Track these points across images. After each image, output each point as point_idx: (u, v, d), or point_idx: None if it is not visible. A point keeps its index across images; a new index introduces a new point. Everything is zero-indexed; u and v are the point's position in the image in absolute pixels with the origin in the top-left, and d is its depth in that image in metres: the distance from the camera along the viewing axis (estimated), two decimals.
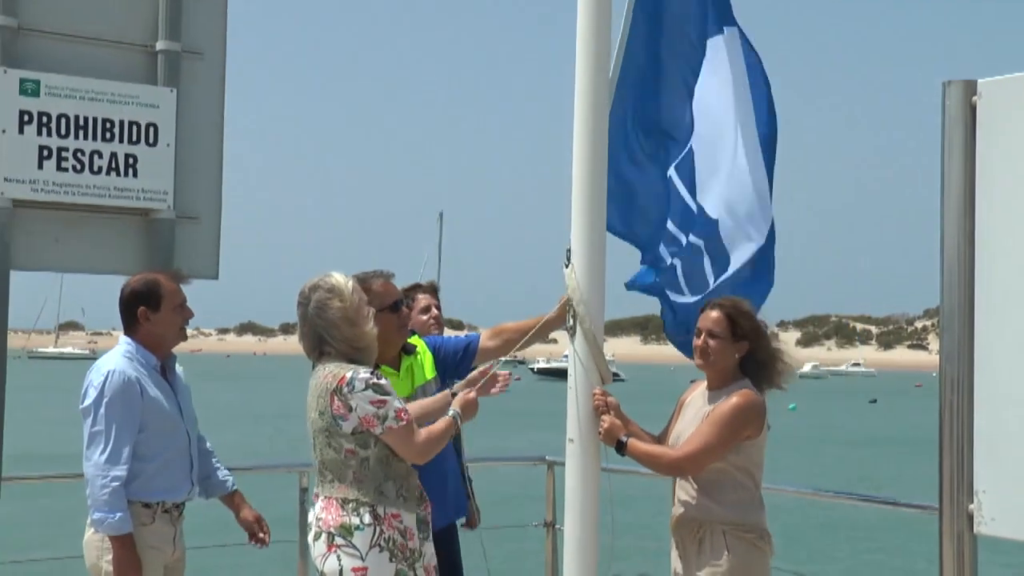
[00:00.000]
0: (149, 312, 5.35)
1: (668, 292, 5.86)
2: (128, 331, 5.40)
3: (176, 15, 6.36)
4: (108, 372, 5.24)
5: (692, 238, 5.81)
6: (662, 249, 5.92)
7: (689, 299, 5.74)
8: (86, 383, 5.28)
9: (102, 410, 5.17)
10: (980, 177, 3.47)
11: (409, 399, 5.35)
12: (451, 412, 4.78)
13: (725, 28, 5.89)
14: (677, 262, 5.85)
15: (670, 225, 5.92)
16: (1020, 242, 3.41)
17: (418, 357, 5.66)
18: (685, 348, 5.49)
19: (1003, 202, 3.43)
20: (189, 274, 5.87)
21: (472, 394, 4.89)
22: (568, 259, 4.83)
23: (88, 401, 5.23)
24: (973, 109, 3.46)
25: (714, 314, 4.91)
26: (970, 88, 3.48)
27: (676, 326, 5.84)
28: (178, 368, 5.63)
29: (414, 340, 5.73)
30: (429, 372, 5.61)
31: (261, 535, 5.64)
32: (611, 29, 5.00)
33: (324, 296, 4.71)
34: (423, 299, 6.56)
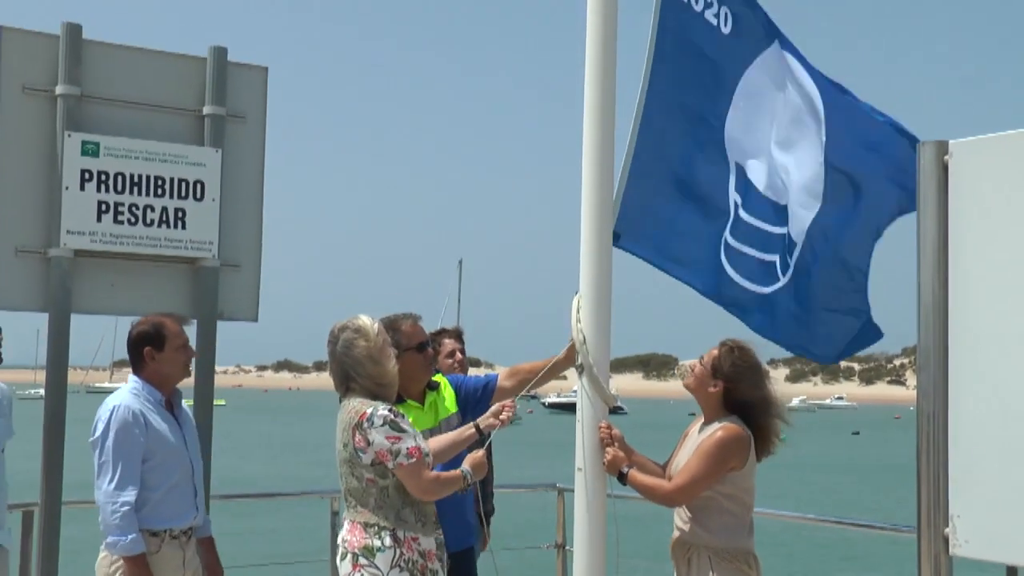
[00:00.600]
0: (154, 352, 5.33)
1: (751, 285, 5.44)
2: (136, 370, 5.38)
3: (222, 83, 6.41)
4: (114, 407, 5.21)
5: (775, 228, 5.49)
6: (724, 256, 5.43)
7: (780, 282, 5.45)
8: (96, 418, 5.25)
9: (109, 442, 5.14)
10: (952, 229, 3.47)
11: (433, 431, 5.35)
12: (463, 469, 4.76)
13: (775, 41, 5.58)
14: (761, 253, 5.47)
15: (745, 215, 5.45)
16: (990, 289, 3.41)
17: (441, 393, 5.66)
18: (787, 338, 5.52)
19: (974, 251, 3.43)
20: (193, 317, 5.95)
21: (481, 454, 4.87)
22: (578, 311, 4.80)
23: (96, 434, 5.21)
24: (945, 167, 3.47)
25: (714, 351, 4.91)
26: (942, 148, 3.50)
27: (767, 320, 5.50)
28: (184, 403, 5.60)
29: (437, 377, 5.72)
30: (451, 407, 5.60)
31: None
32: (615, 81, 4.87)
33: (351, 336, 4.72)
34: (448, 343, 6.57)
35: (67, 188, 5.96)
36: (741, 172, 5.42)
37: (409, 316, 5.52)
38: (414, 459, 4.55)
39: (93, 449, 5.23)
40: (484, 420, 5.07)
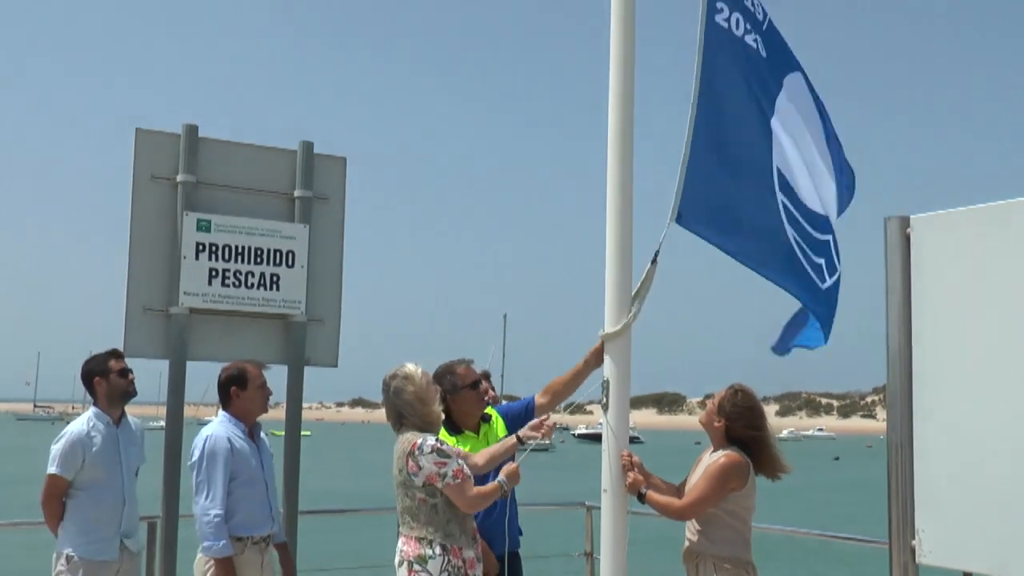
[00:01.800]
0: (239, 391, 5.49)
1: (814, 278, 4.92)
2: (224, 406, 5.54)
3: (309, 170, 6.49)
4: (207, 437, 5.38)
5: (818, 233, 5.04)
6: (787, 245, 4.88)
7: (828, 281, 4.98)
8: (192, 446, 5.40)
9: (204, 464, 5.30)
10: (915, 291, 3.46)
11: None
12: (499, 479, 4.74)
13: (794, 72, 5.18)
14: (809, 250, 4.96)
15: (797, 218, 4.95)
16: (946, 342, 3.39)
17: (493, 425, 5.65)
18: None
19: (932, 310, 3.42)
20: (272, 362, 5.98)
21: (515, 465, 4.85)
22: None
23: (193, 459, 5.37)
24: (907, 238, 3.47)
25: (723, 392, 4.92)
26: (904, 222, 3.49)
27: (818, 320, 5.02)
28: (263, 434, 5.69)
29: (489, 410, 5.73)
30: (502, 433, 5.59)
31: None
32: (633, 137, 4.69)
33: (401, 383, 4.73)
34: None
35: (185, 257, 6.04)
36: (783, 177, 4.96)
37: (463, 361, 5.54)
38: (459, 480, 4.56)
39: (191, 471, 5.38)
40: (524, 432, 5.06)
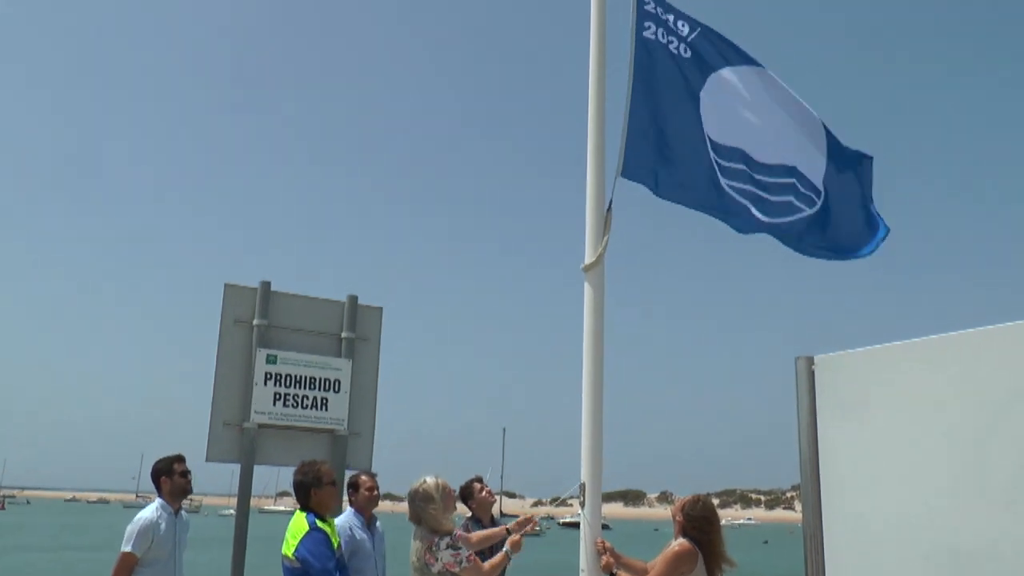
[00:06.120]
0: (353, 493, 5.35)
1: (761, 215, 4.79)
2: (349, 503, 5.34)
3: (353, 317, 6.55)
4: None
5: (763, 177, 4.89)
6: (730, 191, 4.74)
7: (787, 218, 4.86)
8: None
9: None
10: (819, 415, 3.46)
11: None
12: (505, 550, 4.65)
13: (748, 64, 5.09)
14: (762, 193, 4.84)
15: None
16: (845, 459, 3.38)
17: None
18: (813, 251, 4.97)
19: (836, 430, 3.41)
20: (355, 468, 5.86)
21: (518, 537, 4.78)
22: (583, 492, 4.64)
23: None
24: (813, 375, 3.48)
25: (687, 498, 4.88)
26: (810, 361, 3.51)
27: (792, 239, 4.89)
28: (378, 523, 5.44)
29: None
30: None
31: None
32: (604, 307, 4.51)
33: (422, 501, 4.61)
34: (477, 486, 6.30)
35: (256, 384, 6.03)
36: (715, 143, 4.84)
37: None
38: (471, 563, 4.46)
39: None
40: (513, 526, 5.01)
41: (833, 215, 5.14)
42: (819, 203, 5.08)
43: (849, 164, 5.31)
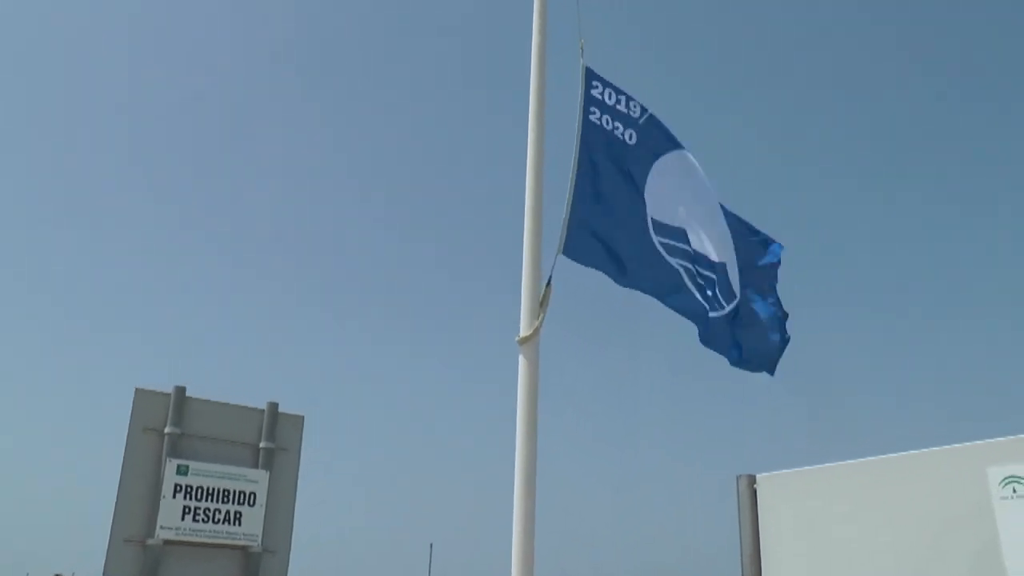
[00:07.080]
0: None
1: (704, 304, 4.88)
2: None
3: (272, 426, 6.28)
4: None
5: (702, 269, 5.04)
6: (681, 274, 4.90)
7: (721, 311, 4.98)
8: None
9: None
10: (762, 530, 3.47)
11: None
12: None
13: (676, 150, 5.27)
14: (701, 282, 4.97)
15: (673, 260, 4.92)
16: (784, 561, 3.38)
17: None
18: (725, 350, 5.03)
19: (776, 541, 3.42)
20: None
21: None
22: None
23: None
24: (755, 492, 3.51)
25: None
26: (752, 479, 3.55)
27: (709, 337, 5.00)
28: None
29: None
30: None
31: None
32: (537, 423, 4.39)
33: None
34: None
35: (164, 496, 5.66)
36: (659, 223, 5.00)
37: None
38: None
39: None
40: None
41: (743, 321, 5.33)
42: (733, 304, 5.28)
43: (757, 254, 5.57)
